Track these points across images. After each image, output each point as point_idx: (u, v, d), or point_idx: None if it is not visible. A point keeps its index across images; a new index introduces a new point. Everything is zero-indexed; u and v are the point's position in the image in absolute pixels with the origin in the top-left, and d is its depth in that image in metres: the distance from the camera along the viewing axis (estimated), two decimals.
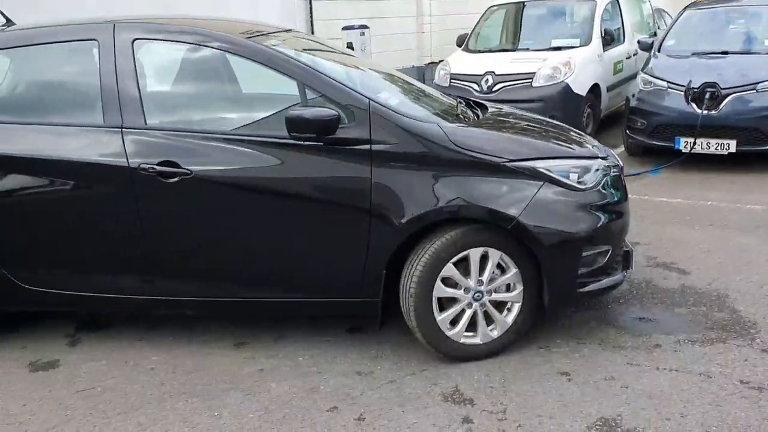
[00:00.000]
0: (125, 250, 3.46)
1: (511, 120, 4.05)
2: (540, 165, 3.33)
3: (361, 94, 3.34)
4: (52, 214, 3.47)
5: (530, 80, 7.93)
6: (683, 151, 6.87)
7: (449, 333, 3.34)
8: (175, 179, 3.31)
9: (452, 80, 8.41)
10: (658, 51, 7.82)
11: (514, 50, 8.86)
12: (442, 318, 3.32)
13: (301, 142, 3.24)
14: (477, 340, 3.38)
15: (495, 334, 3.40)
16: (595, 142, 3.95)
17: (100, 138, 3.41)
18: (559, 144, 3.68)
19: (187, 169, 3.30)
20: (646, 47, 8.28)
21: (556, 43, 8.62)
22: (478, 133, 3.54)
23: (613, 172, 3.58)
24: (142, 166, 3.32)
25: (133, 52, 3.44)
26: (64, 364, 3.56)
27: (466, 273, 3.30)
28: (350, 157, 3.28)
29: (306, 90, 3.35)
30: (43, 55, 3.66)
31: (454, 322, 3.35)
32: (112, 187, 3.41)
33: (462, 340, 3.37)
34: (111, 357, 3.60)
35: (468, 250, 3.27)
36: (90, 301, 3.59)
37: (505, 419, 2.93)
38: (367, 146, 3.25)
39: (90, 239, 3.49)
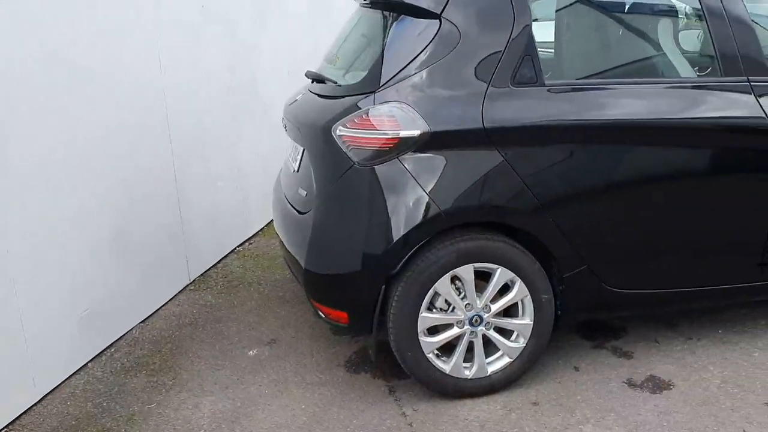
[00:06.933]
0: (755, 227, 2.77)
1: None
2: None
3: None
4: (658, 194, 2.67)
5: None
6: None
7: None
8: None
9: None
10: None
11: None
12: None
13: None
14: None
15: None
16: None
17: (721, 94, 2.67)
18: None
19: None
20: None
21: None
22: None
23: None
24: None
25: None
26: (675, 382, 2.77)
27: None
28: None
29: None
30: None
31: None
32: (743, 154, 2.70)
33: None
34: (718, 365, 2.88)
35: None
36: (687, 296, 2.85)
37: None
38: None
39: (705, 220, 2.73)
